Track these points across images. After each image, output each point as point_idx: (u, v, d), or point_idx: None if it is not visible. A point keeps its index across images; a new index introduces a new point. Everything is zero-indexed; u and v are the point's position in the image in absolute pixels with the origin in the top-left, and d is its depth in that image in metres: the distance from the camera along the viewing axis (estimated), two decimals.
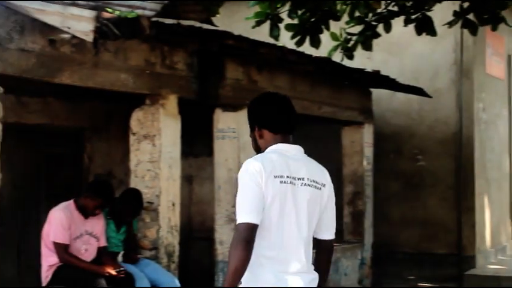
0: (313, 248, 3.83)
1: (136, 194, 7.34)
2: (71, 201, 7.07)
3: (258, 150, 3.86)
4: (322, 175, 3.83)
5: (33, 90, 8.70)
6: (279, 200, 3.61)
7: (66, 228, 6.83)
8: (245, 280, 3.56)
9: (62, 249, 6.81)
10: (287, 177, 3.64)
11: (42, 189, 9.19)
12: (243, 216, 3.52)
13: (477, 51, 12.03)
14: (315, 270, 3.81)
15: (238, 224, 3.52)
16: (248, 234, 3.48)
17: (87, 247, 7.05)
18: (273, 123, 3.81)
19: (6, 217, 8.01)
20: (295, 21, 7.01)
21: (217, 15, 6.32)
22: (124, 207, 7.30)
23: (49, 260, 6.89)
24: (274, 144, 3.77)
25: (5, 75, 5.87)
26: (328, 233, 3.87)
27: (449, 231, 12.12)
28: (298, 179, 3.68)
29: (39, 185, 9.18)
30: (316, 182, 3.76)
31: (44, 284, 6.93)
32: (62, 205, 7.02)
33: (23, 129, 8.75)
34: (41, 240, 6.98)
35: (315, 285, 3.76)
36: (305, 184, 3.70)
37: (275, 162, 3.65)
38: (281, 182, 3.62)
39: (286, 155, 3.72)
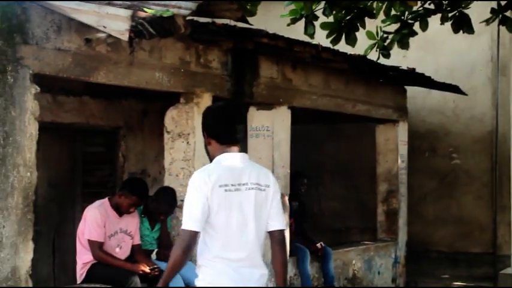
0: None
1: (171, 192, 7.36)
2: (106, 199, 7.11)
3: (209, 154, 4.36)
4: (266, 177, 4.32)
5: (69, 89, 8.75)
6: (225, 206, 4.12)
7: (101, 226, 6.87)
8: (209, 276, 4.16)
9: (96, 247, 6.85)
10: (231, 185, 4.14)
11: (78, 188, 9.25)
12: (187, 223, 4.06)
13: None
14: (272, 264, 4.38)
15: (183, 229, 4.08)
16: (189, 241, 4.06)
17: (122, 245, 7.09)
18: (219, 135, 4.28)
19: (42, 215, 8.06)
20: (330, 19, 6.97)
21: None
22: (158, 205, 7.32)
23: (84, 258, 6.93)
24: (220, 153, 4.25)
25: (42, 75, 5.90)
26: (276, 223, 4.34)
27: (485, 229, 12.03)
28: (242, 184, 4.19)
29: (75, 183, 9.24)
30: (260, 185, 4.25)
31: (78, 281, 6.98)
32: (97, 203, 7.06)
33: (59, 128, 8.80)
34: (76, 238, 7.02)
35: (264, 279, 4.32)
36: (249, 188, 4.21)
37: (220, 172, 4.14)
38: (226, 190, 4.12)
39: (231, 164, 4.22)
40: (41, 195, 8.28)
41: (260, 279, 4.29)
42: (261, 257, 4.30)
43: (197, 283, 4.24)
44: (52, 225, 8.91)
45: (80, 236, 6.95)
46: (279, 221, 4.36)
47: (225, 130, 4.29)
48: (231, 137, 4.30)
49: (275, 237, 4.35)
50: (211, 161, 4.30)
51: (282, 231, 4.38)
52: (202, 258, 4.22)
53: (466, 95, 11.39)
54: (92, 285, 6.84)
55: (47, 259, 8.83)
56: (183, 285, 7.05)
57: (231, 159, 4.24)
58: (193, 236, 4.08)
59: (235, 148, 4.30)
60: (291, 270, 8.82)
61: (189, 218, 4.07)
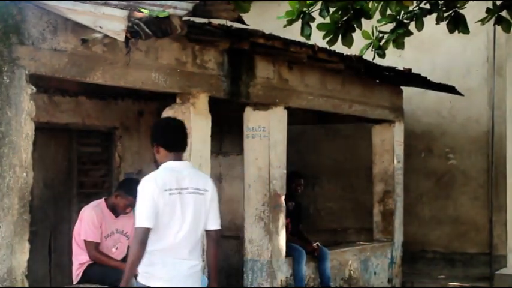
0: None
1: None
2: (102, 200, 7.11)
3: (156, 162, 5.09)
4: (205, 183, 5.07)
5: (65, 90, 8.75)
6: (169, 207, 4.85)
7: (97, 227, 6.87)
8: (147, 266, 4.86)
9: (92, 247, 6.85)
10: (175, 189, 4.88)
11: (74, 188, 9.23)
12: (140, 222, 4.79)
13: (510, 49, 11.87)
14: (206, 258, 5.21)
15: (137, 227, 4.80)
16: (143, 237, 4.78)
17: (118, 245, 7.09)
18: (166, 144, 5.02)
19: (37, 216, 8.05)
20: (327, 20, 6.97)
21: (248, 14, 6.25)
22: None
23: (80, 258, 6.93)
24: (167, 160, 5.01)
25: (38, 75, 5.89)
26: (213, 223, 5.09)
27: (481, 230, 12.03)
28: (184, 189, 4.92)
29: (71, 184, 9.22)
30: (199, 189, 4.99)
31: (74, 281, 6.98)
32: (93, 203, 7.06)
33: (55, 128, 8.79)
34: (72, 239, 7.02)
35: (197, 269, 5.04)
36: (190, 192, 4.94)
37: (165, 178, 4.89)
38: (170, 194, 4.86)
39: (175, 170, 4.95)
40: (37, 195, 8.27)
41: (191, 269, 4.99)
42: (196, 251, 5.03)
43: (138, 270, 4.92)
44: (48, 225, 8.90)
45: (76, 236, 6.94)
46: (216, 221, 5.11)
47: (172, 139, 5.04)
48: (177, 145, 5.06)
49: (211, 235, 5.13)
50: (157, 167, 5.03)
51: (217, 231, 5.14)
52: None
53: (462, 95, 11.39)
54: (88, 286, 6.84)
55: (43, 259, 8.81)
56: None
57: (175, 166, 4.99)
58: (147, 232, 4.80)
59: (181, 156, 5.07)
60: (287, 271, 8.82)
61: (142, 217, 4.80)
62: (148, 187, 4.85)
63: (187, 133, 5.18)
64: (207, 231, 5.11)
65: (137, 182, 7.35)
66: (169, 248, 4.89)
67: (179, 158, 5.04)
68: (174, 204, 4.88)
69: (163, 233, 4.87)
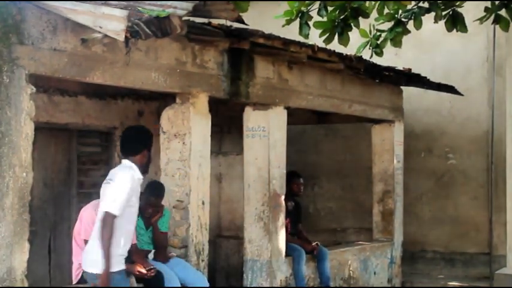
0: None
1: (153, 183, 7.29)
2: None
3: None
4: (114, 174, 6.13)
5: (65, 90, 8.74)
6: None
7: None
8: None
9: None
10: (105, 179, 6.22)
11: (73, 188, 9.22)
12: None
13: (510, 48, 11.88)
14: None
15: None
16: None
17: None
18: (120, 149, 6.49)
19: (37, 215, 8.06)
20: (325, 19, 6.96)
21: (248, 14, 6.25)
22: (145, 199, 7.16)
23: (80, 258, 6.89)
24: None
25: (37, 75, 5.89)
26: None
27: (480, 230, 12.03)
28: (107, 179, 6.19)
29: (70, 184, 9.21)
30: (109, 179, 6.14)
31: (74, 281, 6.95)
32: (93, 203, 7.04)
33: (55, 128, 8.79)
34: (72, 239, 7.01)
35: (88, 250, 6.21)
36: (105, 182, 6.18)
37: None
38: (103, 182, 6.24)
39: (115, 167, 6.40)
40: (36, 195, 8.26)
41: (87, 259, 6.20)
42: (96, 234, 6.06)
43: None
44: (48, 225, 8.90)
45: (76, 236, 6.93)
46: (103, 202, 6.09)
47: (120, 144, 6.44)
48: (122, 150, 6.35)
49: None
50: None
51: (103, 213, 5.98)
52: None
53: (462, 95, 11.39)
54: (88, 286, 6.83)
55: (43, 259, 8.81)
56: (179, 285, 7.05)
57: (119, 164, 6.34)
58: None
59: (128, 158, 6.23)
60: (287, 271, 8.82)
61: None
62: None
63: (137, 140, 6.32)
64: None
65: (160, 184, 7.39)
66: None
67: (125, 159, 6.26)
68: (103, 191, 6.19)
69: None
